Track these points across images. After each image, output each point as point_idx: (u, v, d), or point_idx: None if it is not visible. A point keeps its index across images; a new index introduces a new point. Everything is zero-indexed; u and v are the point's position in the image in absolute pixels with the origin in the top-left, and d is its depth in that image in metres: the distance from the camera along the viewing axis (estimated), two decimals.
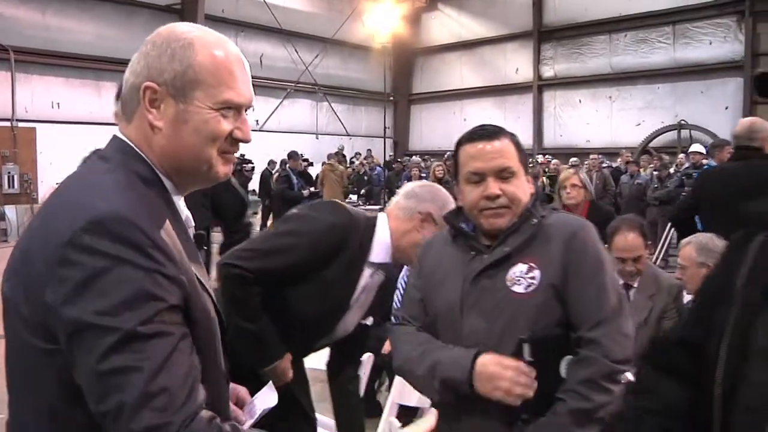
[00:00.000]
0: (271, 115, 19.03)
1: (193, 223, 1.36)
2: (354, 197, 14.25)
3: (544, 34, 19.28)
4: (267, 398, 1.57)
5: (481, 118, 20.29)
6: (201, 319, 1.20)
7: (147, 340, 1.05)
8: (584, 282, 1.79)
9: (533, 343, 1.71)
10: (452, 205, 2.30)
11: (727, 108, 16.07)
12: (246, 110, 1.30)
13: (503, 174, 1.84)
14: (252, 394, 1.56)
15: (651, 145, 16.54)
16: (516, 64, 19.92)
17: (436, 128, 21.46)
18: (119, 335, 1.04)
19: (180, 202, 1.31)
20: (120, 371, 1.04)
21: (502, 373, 1.70)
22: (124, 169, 1.21)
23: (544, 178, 9.64)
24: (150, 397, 1.04)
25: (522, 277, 1.80)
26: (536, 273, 1.79)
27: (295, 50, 19.33)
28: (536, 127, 19.45)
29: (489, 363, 1.72)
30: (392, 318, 3.25)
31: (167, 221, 1.19)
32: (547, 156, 15.70)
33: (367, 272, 2.45)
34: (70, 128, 13.79)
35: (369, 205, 12.71)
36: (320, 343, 2.60)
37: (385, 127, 15.45)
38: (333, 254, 2.36)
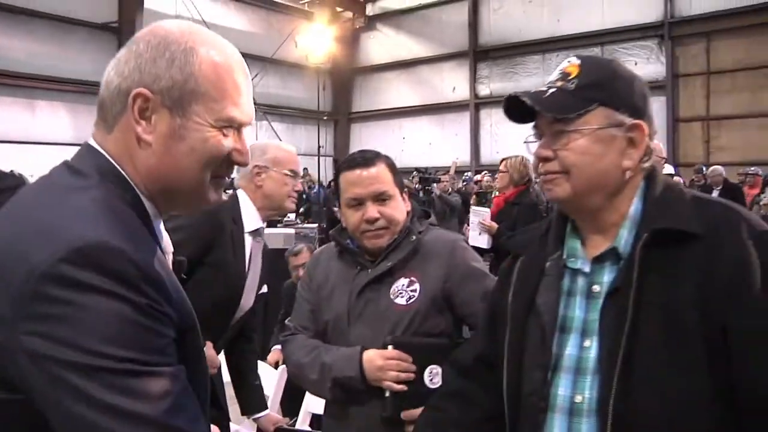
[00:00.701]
0: None
1: (172, 248, 1.25)
2: (293, 216, 14.28)
3: (479, 54, 19.78)
4: None
5: (419, 135, 20.73)
6: (193, 358, 1.07)
7: (145, 379, 0.91)
8: (471, 289, 2.03)
9: (395, 345, 1.95)
10: (280, 150, 2.73)
11: None
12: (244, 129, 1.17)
13: (380, 197, 2.08)
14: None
15: None
16: (453, 82, 20.36)
17: (376, 146, 21.08)
18: (113, 374, 0.90)
19: (160, 226, 1.16)
20: (120, 415, 0.89)
21: (388, 364, 1.92)
22: (104, 187, 1.04)
23: (475, 196, 9.93)
24: None
25: (404, 290, 2.05)
26: (417, 286, 2.05)
27: None
28: (473, 145, 19.89)
29: (375, 357, 1.95)
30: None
31: (158, 250, 1.05)
32: (484, 173, 16.10)
33: (248, 241, 2.71)
34: (1, 147, 13.48)
35: (308, 223, 12.78)
36: (232, 321, 2.78)
37: (318, 146, 15.62)
38: (216, 237, 2.58)
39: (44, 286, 0.89)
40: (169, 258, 1.19)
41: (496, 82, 19.54)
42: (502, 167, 6.27)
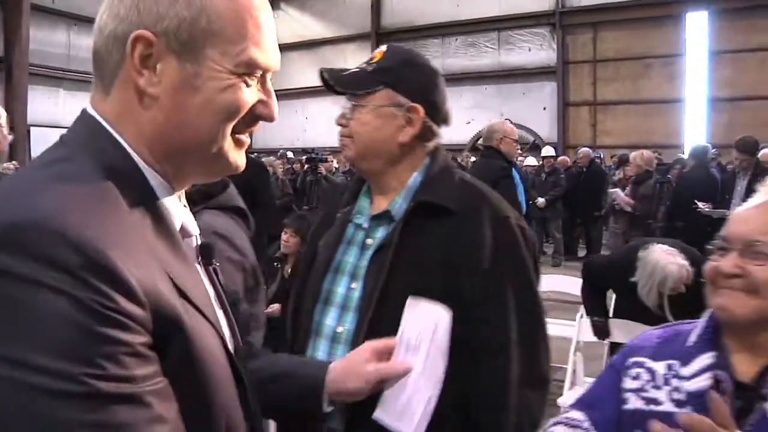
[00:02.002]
0: None
1: (197, 231, 1.01)
2: None
3: (381, 36, 20.14)
4: None
5: (322, 116, 20.90)
6: (190, 373, 0.82)
7: (77, 402, 0.67)
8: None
9: None
10: None
11: (545, 108, 17.79)
12: (271, 77, 0.97)
13: None
14: None
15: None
16: (355, 63, 19.95)
17: (279, 126, 21.78)
18: (54, 396, 0.67)
19: (171, 204, 0.93)
20: None
21: None
22: (86, 156, 0.85)
23: None
24: None
25: None
26: None
27: None
28: None
29: None
30: None
31: (139, 236, 0.81)
32: None
33: None
34: None
35: None
36: None
37: None
38: None
39: None
40: (192, 241, 0.99)
41: None
42: None
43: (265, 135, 22.55)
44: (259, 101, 0.95)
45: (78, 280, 0.70)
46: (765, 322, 1.28)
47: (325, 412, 1.40)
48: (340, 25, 20.79)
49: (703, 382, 1.31)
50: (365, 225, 1.70)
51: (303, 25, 21.71)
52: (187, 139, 0.90)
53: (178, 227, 0.93)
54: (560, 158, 11.59)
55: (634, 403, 1.41)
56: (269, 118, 0.97)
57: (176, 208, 0.94)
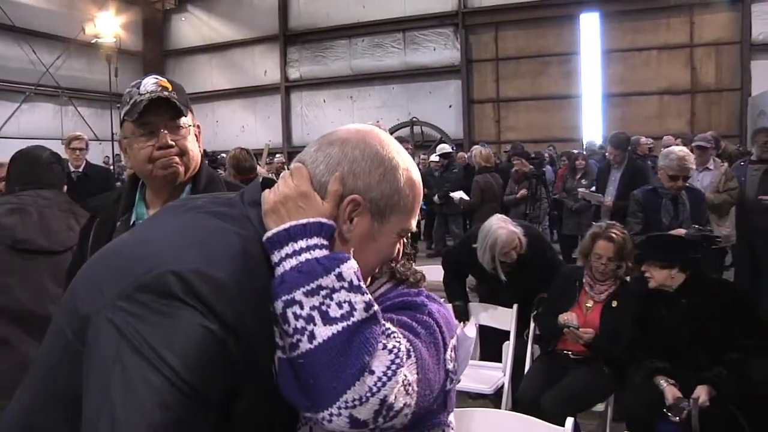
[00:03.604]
0: (8, 120, 17.87)
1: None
2: None
3: (290, 38, 20.25)
4: None
5: (232, 119, 20.84)
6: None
7: (185, 402, 0.98)
8: None
9: None
10: None
11: (450, 106, 18.28)
12: None
13: None
14: None
15: None
16: (264, 66, 20.67)
17: None
18: (162, 380, 0.97)
19: None
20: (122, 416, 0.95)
21: None
22: (255, 237, 1.15)
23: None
24: None
25: None
26: None
27: (33, 50, 18.29)
28: (285, 127, 20.38)
29: None
30: None
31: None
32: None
33: None
34: None
35: None
36: None
37: (112, 132, 15.31)
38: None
39: (156, 282, 0.99)
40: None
41: (305, 66, 20.16)
42: None
43: None
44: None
45: (219, 322, 1.00)
46: None
47: None
48: (248, 28, 20.70)
49: None
50: None
51: (210, 28, 21.53)
52: None
53: None
54: (459, 154, 11.97)
55: None
56: (394, 260, 1.30)
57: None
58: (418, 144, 17.02)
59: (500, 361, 4.34)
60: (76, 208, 2.53)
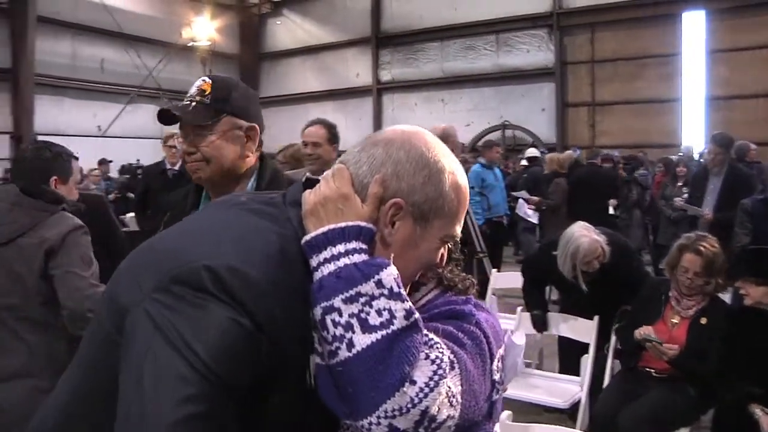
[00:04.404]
0: (114, 120, 18.80)
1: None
2: None
3: (382, 40, 20.33)
4: None
5: None
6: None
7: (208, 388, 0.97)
8: None
9: None
10: None
11: (543, 110, 17.82)
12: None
13: None
14: None
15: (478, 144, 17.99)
16: (356, 68, 20.85)
17: (283, 131, 21.91)
18: (189, 369, 0.97)
19: None
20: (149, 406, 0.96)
21: None
22: (294, 234, 1.12)
23: None
24: None
25: None
26: None
27: (138, 55, 19.19)
28: (375, 129, 20.08)
29: None
30: None
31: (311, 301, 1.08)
32: None
33: None
34: None
35: None
36: None
37: None
38: None
39: (190, 275, 0.99)
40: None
41: (397, 68, 20.19)
42: None
43: (272, 139, 22.71)
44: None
45: (249, 317, 0.99)
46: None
47: None
48: (341, 30, 20.94)
49: None
50: None
51: (305, 31, 21.91)
52: None
53: None
54: (548, 155, 11.67)
55: None
56: (438, 265, 1.24)
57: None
58: (510, 148, 16.72)
59: (578, 375, 4.14)
60: (28, 200, 2.55)
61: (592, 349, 4.04)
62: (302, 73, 21.97)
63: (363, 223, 1.10)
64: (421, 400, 1.01)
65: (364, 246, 1.08)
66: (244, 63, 22.42)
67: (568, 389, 4.06)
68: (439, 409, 1.03)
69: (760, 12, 14.99)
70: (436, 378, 1.04)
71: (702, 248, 3.59)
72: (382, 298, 1.04)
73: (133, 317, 1.01)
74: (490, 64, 18.59)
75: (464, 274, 1.40)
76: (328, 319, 1.03)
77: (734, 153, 7.37)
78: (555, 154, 9.43)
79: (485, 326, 1.22)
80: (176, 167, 6.72)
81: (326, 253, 1.07)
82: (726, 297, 4.03)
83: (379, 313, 1.03)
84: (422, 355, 1.05)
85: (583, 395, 3.92)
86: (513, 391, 3.71)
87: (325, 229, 1.09)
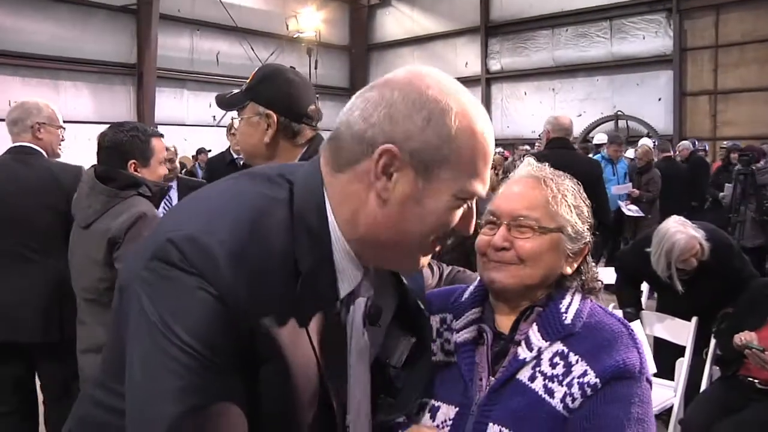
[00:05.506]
0: (226, 113, 19.45)
1: (371, 292, 1.14)
2: None
3: (491, 29, 19.96)
4: None
5: None
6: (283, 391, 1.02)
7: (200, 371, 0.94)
8: None
9: None
10: None
11: (660, 99, 16.92)
12: None
13: None
14: None
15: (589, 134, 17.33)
16: (465, 58, 20.59)
17: None
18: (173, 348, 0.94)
19: (347, 267, 1.06)
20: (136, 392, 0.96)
21: None
22: (281, 209, 1.01)
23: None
24: None
25: None
26: None
27: (251, 48, 19.80)
28: None
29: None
30: None
31: (297, 281, 1.00)
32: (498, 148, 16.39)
33: None
34: None
35: None
36: None
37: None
38: None
39: (160, 249, 0.95)
40: (361, 302, 1.11)
41: (506, 57, 19.76)
42: None
43: None
44: (461, 218, 1.05)
45: (217, 287, 0.94)
46: (526, 287, 1.35)
47: None
48: (450, 20, 20.75)
49: (469, 333, 1.38)
50: None
51: (413, 21, 21.87)
52: (394, 239, 1.02)
53: (349, 288, 1.07)
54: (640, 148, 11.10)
55: None
56: (466, 233, 1.08)
57: (352, 275, 1.07)
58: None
59: (672, 379, 3.87)
60: (100, 186, 2.67)
61: (688, 353, 3.75)
62: (411, 63, 21.73)
63: None
64: None
65: None
66: (354, 54, 22.68)
67: (660, 394, 3.79)
68: None
69: None
70: None
71: None
72: None
73: (128, 295, 1.01)
74: (603, 52, 17.82)
75: (595, 271, 1.42)
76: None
77: None
78: (646, 143, 9.21)
79: (647, 371, 1.33)
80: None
81: None
82: None
83: None
84: None
85: (676, 401, 3.66)
86: None
87: None
